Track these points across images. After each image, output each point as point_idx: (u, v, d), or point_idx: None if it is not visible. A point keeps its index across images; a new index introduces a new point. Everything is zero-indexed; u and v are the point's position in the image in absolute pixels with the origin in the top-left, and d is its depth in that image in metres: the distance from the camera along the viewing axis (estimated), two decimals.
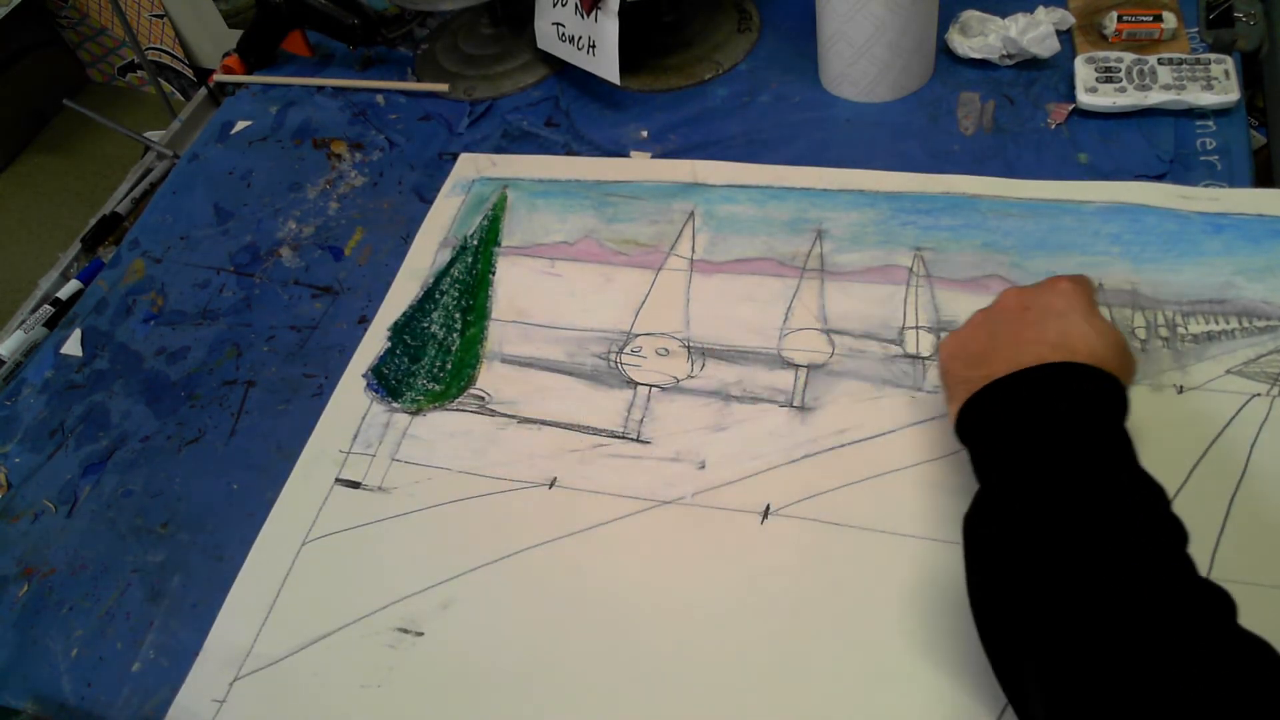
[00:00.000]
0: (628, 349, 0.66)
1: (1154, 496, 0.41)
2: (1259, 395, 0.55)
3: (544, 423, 0.63)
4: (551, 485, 0.60)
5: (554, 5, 0.82)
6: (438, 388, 0.66)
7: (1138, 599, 0.36)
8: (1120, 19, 0.75)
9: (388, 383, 0.67)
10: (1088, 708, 0.35)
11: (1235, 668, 0.34)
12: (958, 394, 0.48)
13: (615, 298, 0.69)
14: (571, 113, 0.85)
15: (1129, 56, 0.72)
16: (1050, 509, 0.40)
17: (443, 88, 0.90)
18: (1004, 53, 0.77)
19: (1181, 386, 0.56)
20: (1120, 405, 0.44)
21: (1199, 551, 0.49)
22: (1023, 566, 0.40)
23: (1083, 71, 0.72)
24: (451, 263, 0.74)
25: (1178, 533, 0.40)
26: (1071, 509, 0.40)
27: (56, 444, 0.71)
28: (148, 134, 1.00)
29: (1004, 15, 0.77)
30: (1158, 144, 0.69)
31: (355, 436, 0.65)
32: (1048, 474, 0.41)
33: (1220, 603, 0.37)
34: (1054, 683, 0.37)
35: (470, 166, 0.81)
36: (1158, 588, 0.37)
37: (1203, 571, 0.48)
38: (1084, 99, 0.71)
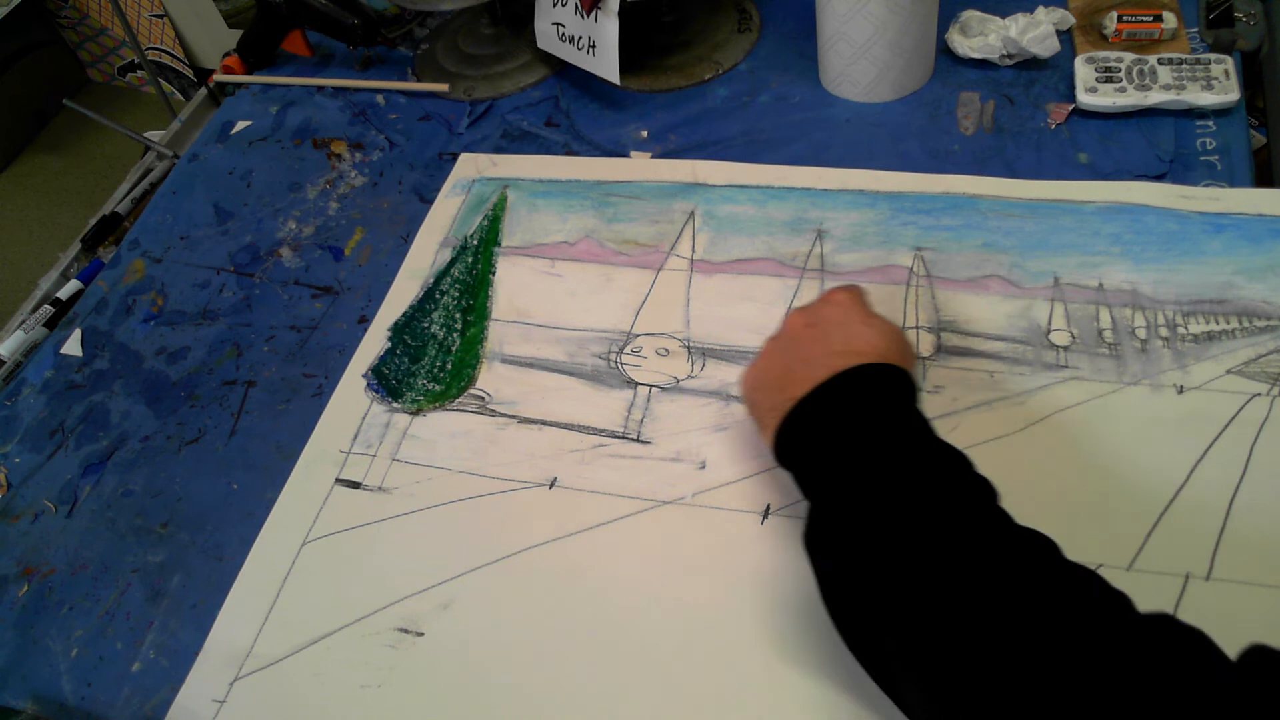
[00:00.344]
0: (628, 349, 0.66)
1: (959, 463, 0.44)
2: (1259, 395, 0.55)
3: (544, 423, 0.63)
4: (552, 485, 0.60)
5: (554, 5, 0.82)
6: (438, 388, 0.66)
7: (968, 555, 0.39)
8: (1120, 19, 0.75)
9: (388, 383, 0.67)
10: (946, 664, 0.37)
11: (1068, 595, 0.37)
12: (769, 421, 0.50)
13: (615, 298, 0.69)
14: (571, 113, 0.85)
15: (1129, 56, 0.72)
16: (873, 501, 0.42)
17: (443, 88, 0.90)
18: (1004, 53, 0.77)
19: (1182, 386, 0.56)
20: (910, 389, 0.47)
21: (1200, 552, 0.50)
22: (860, 560, 0.42)
23: (1083, 71, 0.72)
24: (452, 263, 0.74)
25: (988, 490, 0.43)
26: (891, 495, 0.42)
27: (56, 444, 0.71)
28: (148, 134, 1.00)
29: (1004, 15, 0.77)
30: (1158, 144, 0.69)
31: (355, 437, 0.65)
32: (865, 471, 0.44)
33: (1044, 543, 0.40)
34: (913, 651, 0.38)
35: (470, 166, 0.81)
36: (982, 541, 0.40)
37: (1203, 573, 0.49)
38: (1084, 99, 0.71)
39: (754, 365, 0.53)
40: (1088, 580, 0.38)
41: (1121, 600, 0.37)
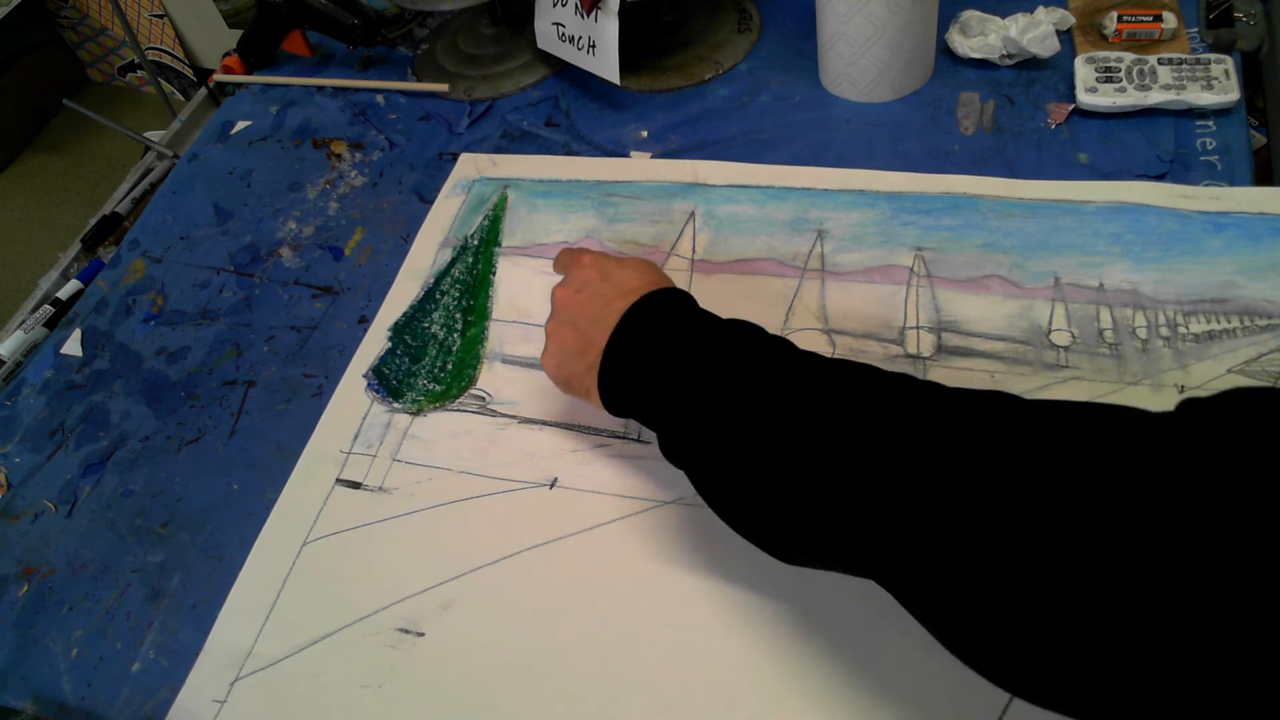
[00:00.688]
0: None
1: (756, 330, 0.48)
2: None
3: (544, 423, 0.63)
4: (552, 485, 0.60)
5: (554, 5, 0.82)
6: (438, 388, 0.66)
7: (800, 400, 0.43)
8: (1120, 19, 0.75)
9: (388, 383, 0.67)
10: (802, 489, 0.41)
11: (895, 398, 0.41)
12: (589, 383, 0.52)
13: None
14: (571, 113, 0.85)
15: (1129, 56, 0.72)
16: (714, 396, 0.45)
17: (443, 88, 0.90)
18: (1004, 53, 0.77)
19: (1183, 386, 0.56)
20: (687, 296, 0.51)
21: None
22: (719, 448, 0.45)
23: (1083, 71, 0.72)
24: (452, 263, 0.74)
25: (788, 343, 0.47)
26: (723, 383, 0.45)
27: (56, 444, 0.71)
28: (148, 134, 1.00)
29: (1004, 15, 0.77)
30: (1158, 144, 0.69)
31: (356, 437, 0.65)
32: (692, 375, 0.47)
33: (861, 366, 0.44)
34: (772, 488, 0.42)
35: (471, 166, 0.81)
36: (808, 381, 0.44)
37: None
38: (1084, 99, 0.71)
39: (547, 350, 0.56)
40: (904, 381, 0.42)
41: (935, 388, 0.41)
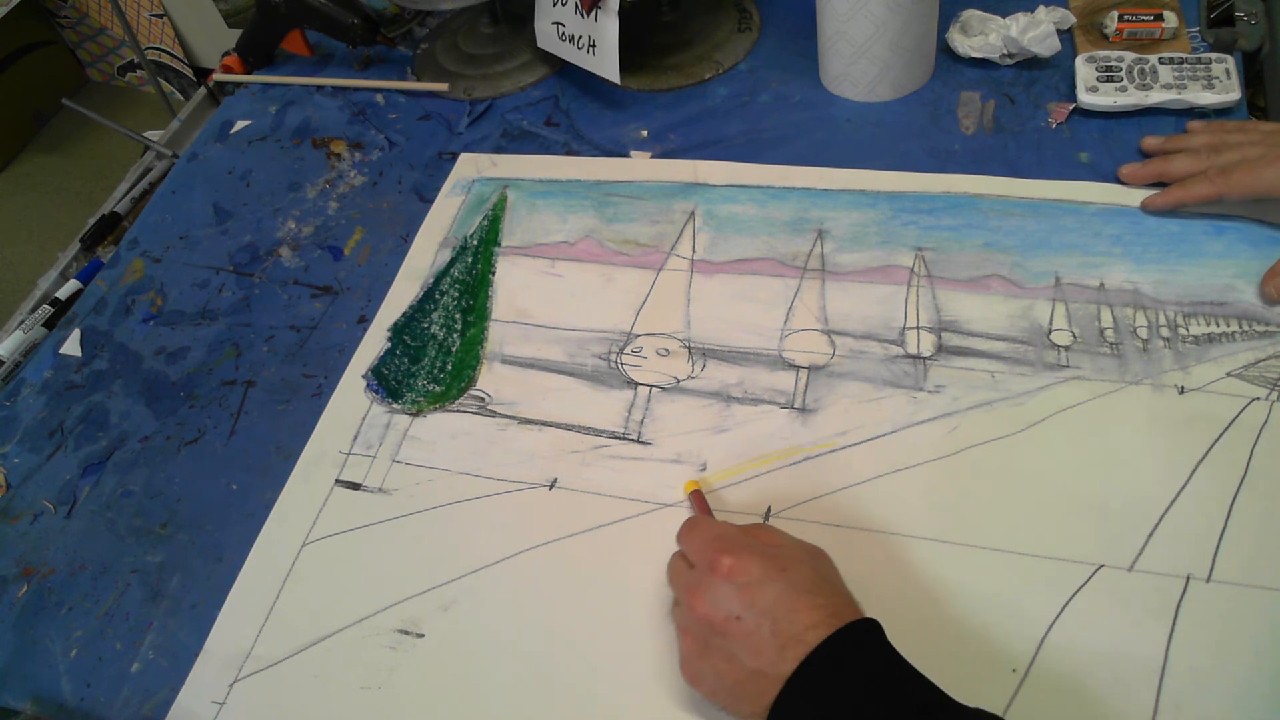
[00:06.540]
0: (628, 349, 0.66)
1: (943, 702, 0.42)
2: (1258, 399, 0.55)
3: (544, 424, 0.63)
4: (552, 486, 0.60)
5: (554, 5, 0.81)
6: (438, 389, 0.66)
7: None
8: (1121, 18, 0.75)
9: (388, 383, 0.67)
10: None
11: None
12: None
13: (616, 298, 0.69)
14: (571, 112, 0.85)
15: (1130, 56, 0.72)
16: None
17: (442, 87, 0.89)
18: (1005, 52, 0.76)
19: (1183, 387, 0.56)
20: (873, 651, 0.42)
21: (1201, 553, 0.50)
22: None
23: (1083, 71, 0.72)
24: (451, 263, 0.74)
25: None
26: None
27: (56, 444, 0.71)
28: (147, 134, 1.00)
29: (1005, 15, 0.77)
30: None
31: (355, 437, 0.65)
32: None
33: None
34: None
35: (470, 166, 0.81)
36: None
37: (1203, 574, 0.49)
38: (1085, 98, 0.71)
39: (694, 669, 0.47)
40: None
41: None
